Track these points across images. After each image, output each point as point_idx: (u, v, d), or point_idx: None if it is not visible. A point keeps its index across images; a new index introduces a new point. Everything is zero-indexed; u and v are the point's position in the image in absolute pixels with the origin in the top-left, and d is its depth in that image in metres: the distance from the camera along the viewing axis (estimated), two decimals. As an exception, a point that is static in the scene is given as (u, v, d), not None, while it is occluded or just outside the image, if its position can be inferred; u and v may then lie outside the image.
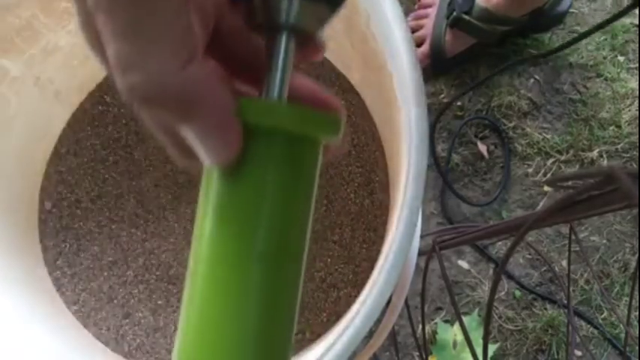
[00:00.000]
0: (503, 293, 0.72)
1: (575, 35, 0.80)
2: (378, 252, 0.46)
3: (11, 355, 0.38)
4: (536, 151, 0.76)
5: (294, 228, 0.16)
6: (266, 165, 0.15)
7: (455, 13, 0.74)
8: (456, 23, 0.74)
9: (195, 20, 0.14)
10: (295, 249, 0.16)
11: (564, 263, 0.72)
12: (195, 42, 0.14)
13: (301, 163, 0.16)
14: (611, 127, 0.76)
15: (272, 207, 0.15)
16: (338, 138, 0.17)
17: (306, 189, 0.16)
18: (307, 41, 0.17)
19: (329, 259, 0.47)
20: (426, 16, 0.79)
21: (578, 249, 0.72)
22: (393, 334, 0.64)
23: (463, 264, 0.73)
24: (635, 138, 0.75)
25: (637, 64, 0.79)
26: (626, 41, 0.80)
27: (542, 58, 0.79)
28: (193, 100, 0.14)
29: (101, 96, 0.51)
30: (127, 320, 0.48)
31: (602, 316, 0.71)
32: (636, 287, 0.68)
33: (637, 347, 0.68)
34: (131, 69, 0.13)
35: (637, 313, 0.71)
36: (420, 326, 0.56)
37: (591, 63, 0.79)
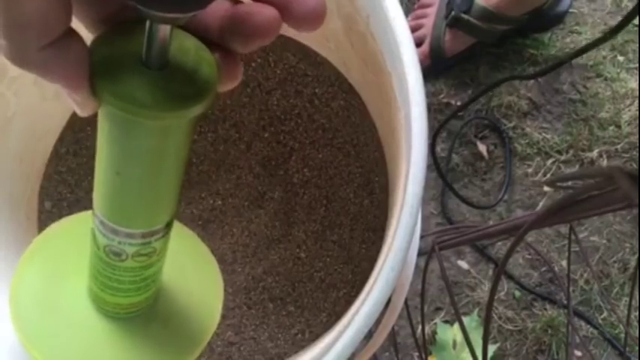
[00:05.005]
0: (503, 293, 0.72)
1: (575, 35, 0.80)
2: (377, 252, 0.46)
3: (9, 356, 0.38)
4: (536, 151, 0.76)
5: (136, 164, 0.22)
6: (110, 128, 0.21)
7: (453, 13, 0.74)
8: (454, 23, 0.74)
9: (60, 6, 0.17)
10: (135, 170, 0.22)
11: (564, 263, 0.72)
12: (54, 27, 0.17)
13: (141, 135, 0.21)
14: (610, 127, 0.76)
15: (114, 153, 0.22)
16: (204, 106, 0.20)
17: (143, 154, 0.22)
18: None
19: (328, 259, 0.47)
20: (425, 16, 0.79)
21: (577, 249, 0.72)
22: (392, 335, 0.64)
23: (463, 264, 0.73)
24: (635, 138, 0.75)
25: (637, 64, 0.79)
26: (626, 41, 0.80)
27: (543, 58, 0.79)
28: (50, 72, 0.18)
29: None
30: (127, 320, 0.48)
31: (602, 316, 0.71)
32: (636, 287, 0.68)
33: (637, 347, 0.69)
34: (1, 37, 0.16)
35: (637, 313, 0.71)
36: (420, 326, 0.56)
37: (591, 63, 0.79)
